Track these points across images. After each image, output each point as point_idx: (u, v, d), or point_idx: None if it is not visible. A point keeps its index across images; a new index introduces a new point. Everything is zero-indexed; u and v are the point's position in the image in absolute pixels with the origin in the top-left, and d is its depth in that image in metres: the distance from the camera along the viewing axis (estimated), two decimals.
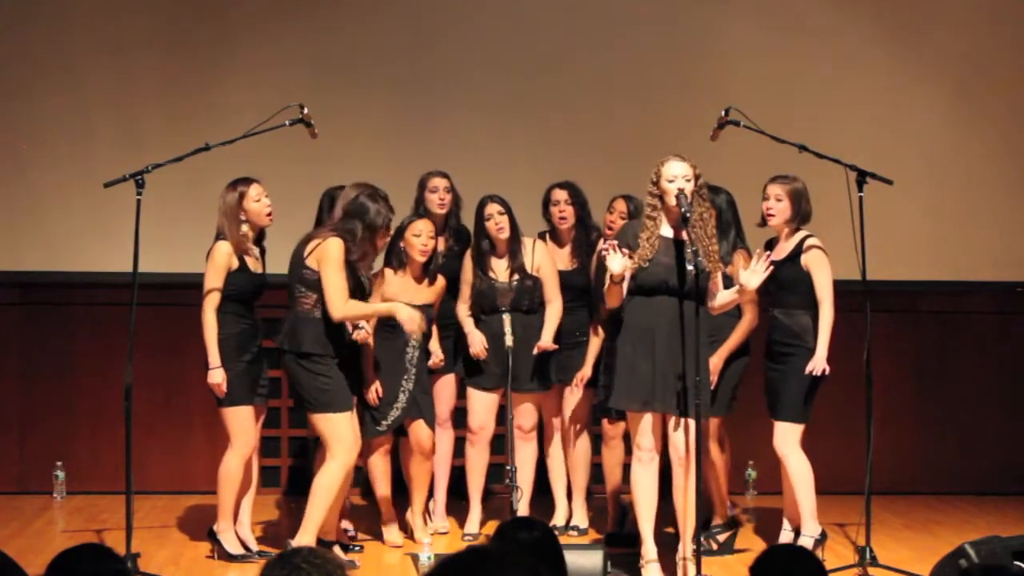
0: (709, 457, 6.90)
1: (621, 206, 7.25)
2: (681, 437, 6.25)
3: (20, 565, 4.32)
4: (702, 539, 6.42)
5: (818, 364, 6.64)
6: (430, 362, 7.17)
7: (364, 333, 6.87)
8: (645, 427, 6.32)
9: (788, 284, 6.76)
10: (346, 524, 7.24)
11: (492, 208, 7.24)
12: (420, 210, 7.32)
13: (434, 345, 7.22)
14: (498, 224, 7.23)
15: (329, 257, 6.49)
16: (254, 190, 6.82)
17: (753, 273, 6.16)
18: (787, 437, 6.74)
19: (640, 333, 6.28)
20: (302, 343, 6.53)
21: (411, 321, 6.62)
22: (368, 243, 6.61)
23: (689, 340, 6.19)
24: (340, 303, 6.48)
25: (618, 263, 6.07)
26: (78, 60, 8.51)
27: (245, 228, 6.82)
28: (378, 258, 7.06)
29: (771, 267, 6.23)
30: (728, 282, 6.45)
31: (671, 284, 6.24)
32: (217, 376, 6.71)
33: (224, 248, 6.76)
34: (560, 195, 7.40)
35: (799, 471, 6.73)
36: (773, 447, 6.76)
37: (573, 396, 7.40)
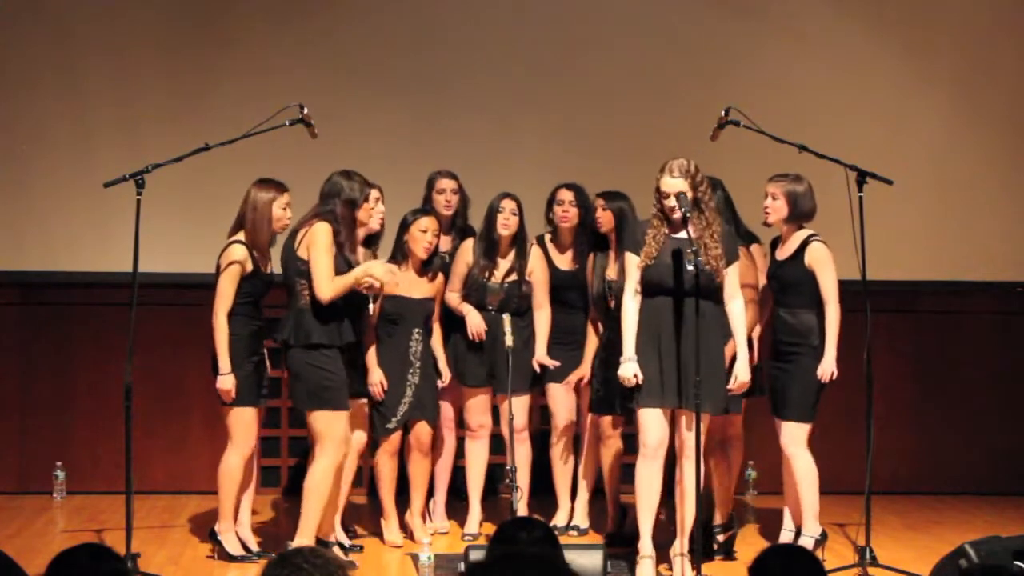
0: (715, 456, 6.91)
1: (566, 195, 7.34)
2: (688, 434, 6.29)
3: (20, 565, 4.33)
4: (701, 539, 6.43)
5: (827, 369, 6.65)
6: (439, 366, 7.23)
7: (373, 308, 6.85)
8: (652, 424, 6.35)
9: (791, 284, 6.76)
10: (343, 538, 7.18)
11: (507, 203, 7.24)
12: (427, 208, 7.33)
13: (437, 349, 7.24)
14: (506, 220, 7.23)
15: (316, 241, 6.49)
16: (285, 198, 6.80)
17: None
18: (794, 436, 6.74)
19: (646, 334, 6.35)
20: (311, 335, 6.51)
21: (387, 273, 6.67)
22: (350, 221, 6.59)
23: (691, 339, 6.24)
24: (326, 282, 6.46)
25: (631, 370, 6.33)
26: (78, 60, 8.50)
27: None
28: (381, 255, 7.09)
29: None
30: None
31: (671, 285, 6.30)
32: (227, 383, 6.70)
33: (239, 253, 6.73)
34: (566, 195, 7.39)
35: (805, 471, 6.72)
36: (780, 446, 6.77)
37: (575, 395, 7.40)
